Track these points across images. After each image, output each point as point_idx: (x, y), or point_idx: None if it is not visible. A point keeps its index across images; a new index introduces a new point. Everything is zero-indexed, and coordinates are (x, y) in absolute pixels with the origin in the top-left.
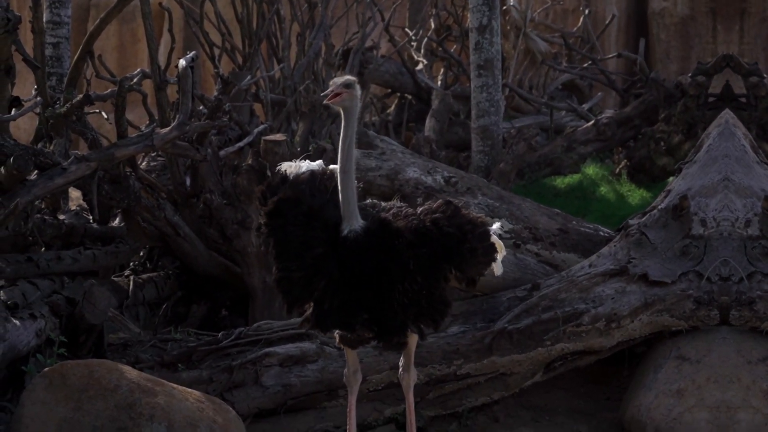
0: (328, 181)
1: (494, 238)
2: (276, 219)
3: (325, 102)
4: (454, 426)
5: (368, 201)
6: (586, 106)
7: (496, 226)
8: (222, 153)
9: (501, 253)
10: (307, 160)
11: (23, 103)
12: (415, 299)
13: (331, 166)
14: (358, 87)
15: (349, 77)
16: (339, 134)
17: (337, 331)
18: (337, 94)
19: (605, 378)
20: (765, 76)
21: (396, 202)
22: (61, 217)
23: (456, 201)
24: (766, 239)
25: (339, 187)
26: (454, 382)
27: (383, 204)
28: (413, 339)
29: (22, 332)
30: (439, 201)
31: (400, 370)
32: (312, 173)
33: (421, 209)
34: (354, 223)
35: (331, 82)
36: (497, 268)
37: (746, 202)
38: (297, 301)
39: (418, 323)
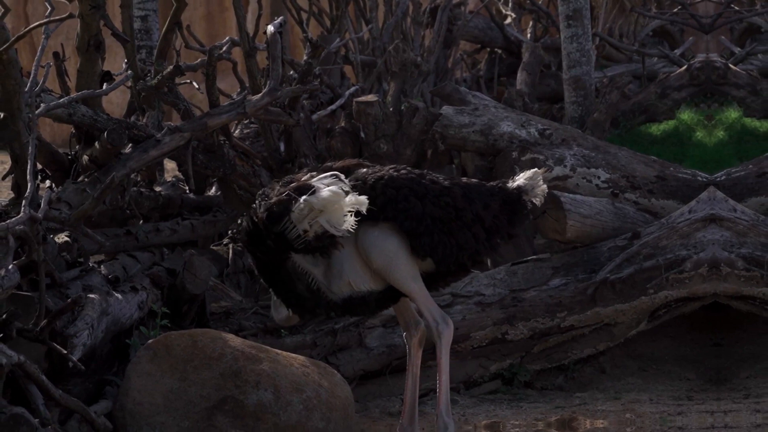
0: None
1: (303, 203)
2: None
3: None
4: (560, 379)
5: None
6: (678, 52)
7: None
8: (314, 117)
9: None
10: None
11: (114, 77)
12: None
13: None
14: None
15: None
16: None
17: None
18: None
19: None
20: None
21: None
22: (158, 188)
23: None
24: None
25: None
26: (559, 334)
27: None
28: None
29: (125, 305)
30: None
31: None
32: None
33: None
34: None
35: None
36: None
37: None
38: None
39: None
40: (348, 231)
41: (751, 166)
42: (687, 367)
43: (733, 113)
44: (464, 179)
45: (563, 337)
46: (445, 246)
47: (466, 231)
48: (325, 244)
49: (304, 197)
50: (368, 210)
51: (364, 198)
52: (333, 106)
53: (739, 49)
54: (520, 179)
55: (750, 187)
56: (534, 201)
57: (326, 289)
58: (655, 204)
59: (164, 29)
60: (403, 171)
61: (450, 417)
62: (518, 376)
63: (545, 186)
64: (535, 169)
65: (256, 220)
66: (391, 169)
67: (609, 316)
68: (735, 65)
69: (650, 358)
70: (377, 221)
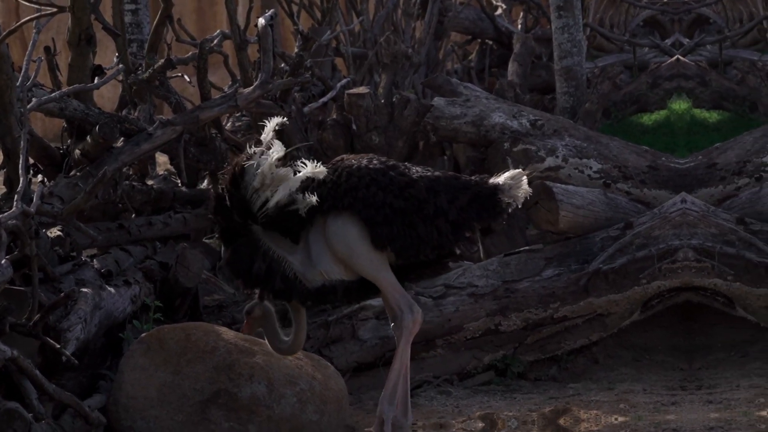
0: None
1: None
2: None
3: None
4: (554, 370)
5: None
6: (669, 42)
7: None
8: (306, 109)
9: None
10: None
11: (106, 71)
12: None
13: None
14: (260, 307)
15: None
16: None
17: None
18: (246, 326)
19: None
20: None
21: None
22: (150, 182)
23: None
24: None
25: None
26: (552, 325)
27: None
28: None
29: (118, 299)
30: None
31: None
32: None
33: None
34: None
35: None
36: None
37: None
38: None
39: None
40: (302, 197)
41: (700, 157)
42: (680, 356)
43: (682, 104)
44: (440, 172)
45: (556, 327)
46: (405, 237)
47: (428, 223)
48: (285, 219)
49: (263, 157)
50: (333, 199)
51: (323, 169)
52: (324, 99)
53: (687, 40)
54: (502, 177)
55: (699, 179)
56: (512, 201)
57: (302, 277)
58: (647, 194)
59: (155, 23)
60: (375, 161)
61: (391, 406)
62: (512, 367)
63: (527, 188)
64: (520, 169)
65: (222, 188)
66: (364, 159)
67: (602, 307)
68: (684, 56)
69: (643, 348)
70: (341, 210)
